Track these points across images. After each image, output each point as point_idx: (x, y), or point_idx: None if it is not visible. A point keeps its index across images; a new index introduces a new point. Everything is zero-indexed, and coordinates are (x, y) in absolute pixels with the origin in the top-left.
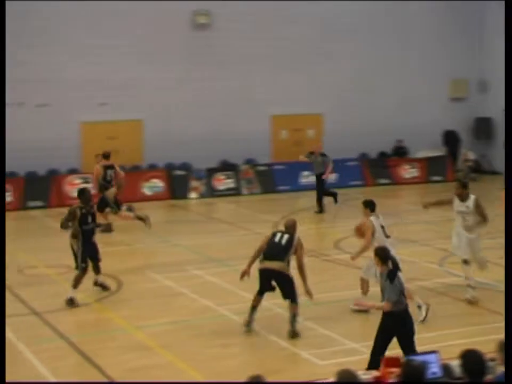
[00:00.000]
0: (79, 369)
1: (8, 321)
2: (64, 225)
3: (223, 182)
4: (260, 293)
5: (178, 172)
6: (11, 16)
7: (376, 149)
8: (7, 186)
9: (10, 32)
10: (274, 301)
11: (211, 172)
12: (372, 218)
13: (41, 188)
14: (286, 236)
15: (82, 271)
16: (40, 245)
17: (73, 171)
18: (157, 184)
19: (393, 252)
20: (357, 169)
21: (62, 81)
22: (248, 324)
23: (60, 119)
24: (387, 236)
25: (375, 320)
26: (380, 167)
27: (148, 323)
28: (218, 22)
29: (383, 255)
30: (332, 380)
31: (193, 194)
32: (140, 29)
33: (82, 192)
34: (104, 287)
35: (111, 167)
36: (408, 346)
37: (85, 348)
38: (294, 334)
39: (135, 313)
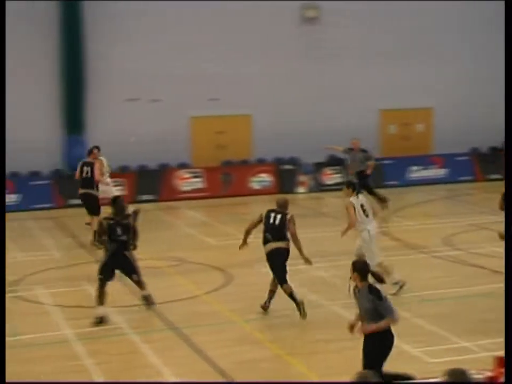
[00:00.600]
0: (188, 361)
1: (121, 311)
2: (98, 241)
3: (331, 176)
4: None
5: (286, 167)
6: (128, 15)
7: (487, 144)
8: (121, 179)
9: (126, 29)
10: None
11: (319, 166)
12: (352, 198)
13: (152, 181)
14: (278, 216)
15: (99, 282)
16: (151, 237)
17: (183, 165)
18: (265, 178)
19: (372, 227)
20: (467, 164)
21: (173, 77)
22: (266, 309)
23: (171, 114)
24: (366, 215)
25: (491, 318)
26: (490, 162)
27: (256, 316)
28: (327, 15)
29: (363, 271)
30: (441, 379)
31: (301, 189)
32: (250, 24)
33: (114, 202)
34: (148, 302)
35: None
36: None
37: (195, 339)
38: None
39: (243, 306)
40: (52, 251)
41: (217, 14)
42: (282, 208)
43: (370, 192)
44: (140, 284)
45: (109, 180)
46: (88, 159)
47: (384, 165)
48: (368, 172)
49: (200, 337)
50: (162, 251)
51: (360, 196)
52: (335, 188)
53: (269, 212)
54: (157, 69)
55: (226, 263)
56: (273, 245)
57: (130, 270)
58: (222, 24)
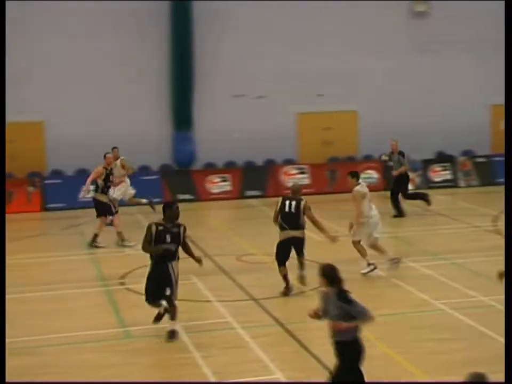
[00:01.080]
0: (295, 356)
1: (226, 305)
2: (146, 248)
3: (440, 173)
4: (284, 263)
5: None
6: (234, 13)
7: None
8: (227, 175)
9: (232, 27)
10: (494, 297)
11: (427, 163)
12: (358, 187)
13: (258, 177)
14: (293, 203)
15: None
16: (258, 233)
17: (289, 161)
18: (372, 175)
19: (376, 213)
20: None
21: (279, 73)
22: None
23: (277, 110)
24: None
25: None
26: None
27: None
28: (437, 9)
29: (331, 276)
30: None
31: (409, 186)
32: (358, 18)
33: (168, 206)
34: (172, 336)
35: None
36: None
37: (301, 335)
38: (302, 279)
39: None
40: None
41: (323, 8)
42: (296, 194)
43: (406, 196)
44: (169, 302)
45: (126, 180)
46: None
47: (496, 162)
48: (395, 173)
49: (306, 333)
50: (268, 247)
51: (364, 184)
52: (444, 185)
53: (284, 199)
54: (263, 65)
55: (330, 259)
56: (290, 233)
57: (166, 284)
58: (328, 19)
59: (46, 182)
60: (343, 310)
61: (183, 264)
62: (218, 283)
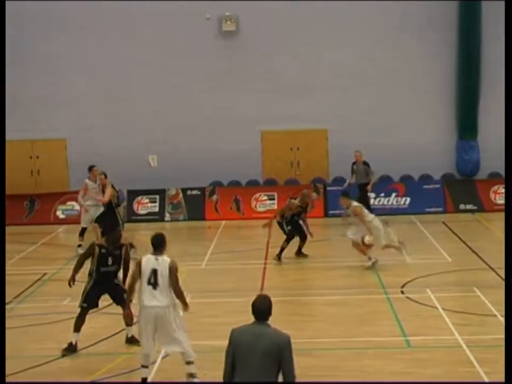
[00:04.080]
0: None
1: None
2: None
3: None
4: None
5: None
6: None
7: None
8: None
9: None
10: None
11: None
12: (355, 203)
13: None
14: None
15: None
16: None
17: None
18: None
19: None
20: None
21: None
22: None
23: None
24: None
25: None
26: None
27: None
28: None
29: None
30: None
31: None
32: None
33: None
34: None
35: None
36: None
37: None
38: None
39: None
40: (443, 255)
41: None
42: None
43: (368, 206)
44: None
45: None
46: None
47: None
48: (369, 188)
49: None
50: None
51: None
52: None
53: None
54: None
55: None
56: None
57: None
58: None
59: (328, 189)
60: None
61: (466, 276)
62: (502, 297)
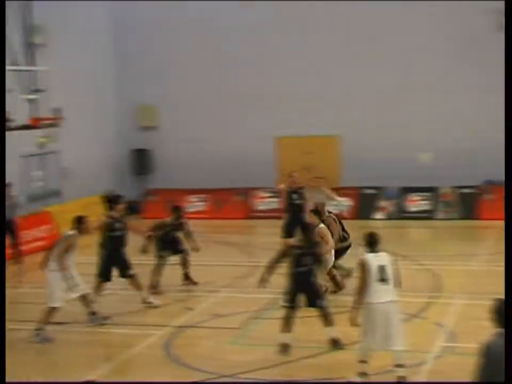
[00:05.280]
0: None
1: None
2: None
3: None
4: None
5: None
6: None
7: None
8: None
9: None
10: None
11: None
12: (321, 225)
13: None
14: None
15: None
16: None
17: None
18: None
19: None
20: None
21: None
22: None
23: None
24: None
25: None
26: None
27: None
28: None
29: None
30: None
31: None
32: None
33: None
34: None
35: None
36: None
37: None
38: None
39: None
40: None
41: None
42: None
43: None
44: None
45: None
46: None
47: None
48: None
49: None
50: None
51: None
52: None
53: None
54: None
55: None
56: None
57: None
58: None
59: None
60: None
61: None
62: None
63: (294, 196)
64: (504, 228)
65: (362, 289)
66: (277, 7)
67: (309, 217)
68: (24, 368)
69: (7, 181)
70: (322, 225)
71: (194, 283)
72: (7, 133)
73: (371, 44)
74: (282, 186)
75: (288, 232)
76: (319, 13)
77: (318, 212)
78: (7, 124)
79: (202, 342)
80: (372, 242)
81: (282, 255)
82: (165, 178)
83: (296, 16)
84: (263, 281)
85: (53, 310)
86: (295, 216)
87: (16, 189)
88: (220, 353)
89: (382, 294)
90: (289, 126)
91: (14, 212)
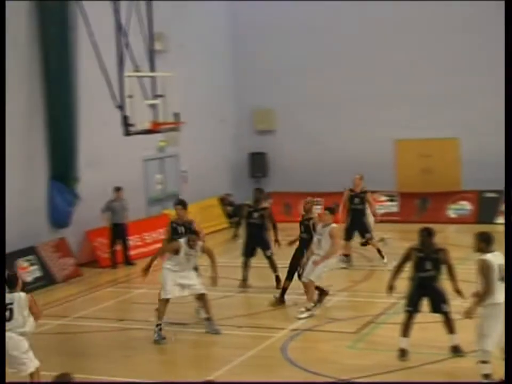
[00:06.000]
0: None
1: None
2: None
3: None
4: None
5: None
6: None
7: None
8: None
9: None
10: None
11: None
12: (334, 225)
13: None
14: None
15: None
16: None
17: None
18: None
19: None
20: None
21: None
22: None
23: None
24: None
25: None
26: None
27: None
28: None
29: None
30: None
31: None
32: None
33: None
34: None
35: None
36: None
37: None
38: None
39: None
40: None
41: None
42: None
43: None
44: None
45: None
46: None
47: None
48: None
49: None
50: None
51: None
52: None
53: None
54: None
55: None
56: None
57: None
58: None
59: None
60: None
61: None
62: None
63: (356, 200)
64: (504, 228)
65: (490, 290)
66: (396, 7)
67: (323, 216)
68: (145, 367)
69: (118, 185)
70: (334, 224)
71: (326, 293)
72: (130, 138)
73: (491, 46)
74: (345, 190)
75: (348, 236)
76: (438, 12)
77: (332, 210)
78: (129, 128)
79: (320, 345)
80: (488, 242)
81: (405, 259)
82: (282, 182)
83: (416, 16)
84: (390, 288)
85: (164, 301)
86: (355, 221)
87: (140, 192)
88: (338, 357)
89: (501, 293)
90: (407, 128)
91: (124, 215)
